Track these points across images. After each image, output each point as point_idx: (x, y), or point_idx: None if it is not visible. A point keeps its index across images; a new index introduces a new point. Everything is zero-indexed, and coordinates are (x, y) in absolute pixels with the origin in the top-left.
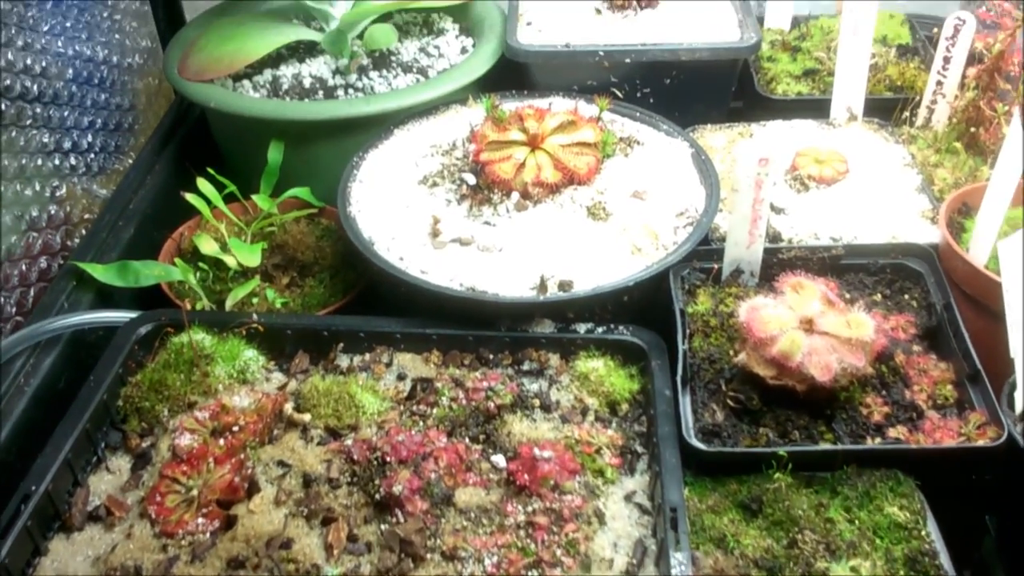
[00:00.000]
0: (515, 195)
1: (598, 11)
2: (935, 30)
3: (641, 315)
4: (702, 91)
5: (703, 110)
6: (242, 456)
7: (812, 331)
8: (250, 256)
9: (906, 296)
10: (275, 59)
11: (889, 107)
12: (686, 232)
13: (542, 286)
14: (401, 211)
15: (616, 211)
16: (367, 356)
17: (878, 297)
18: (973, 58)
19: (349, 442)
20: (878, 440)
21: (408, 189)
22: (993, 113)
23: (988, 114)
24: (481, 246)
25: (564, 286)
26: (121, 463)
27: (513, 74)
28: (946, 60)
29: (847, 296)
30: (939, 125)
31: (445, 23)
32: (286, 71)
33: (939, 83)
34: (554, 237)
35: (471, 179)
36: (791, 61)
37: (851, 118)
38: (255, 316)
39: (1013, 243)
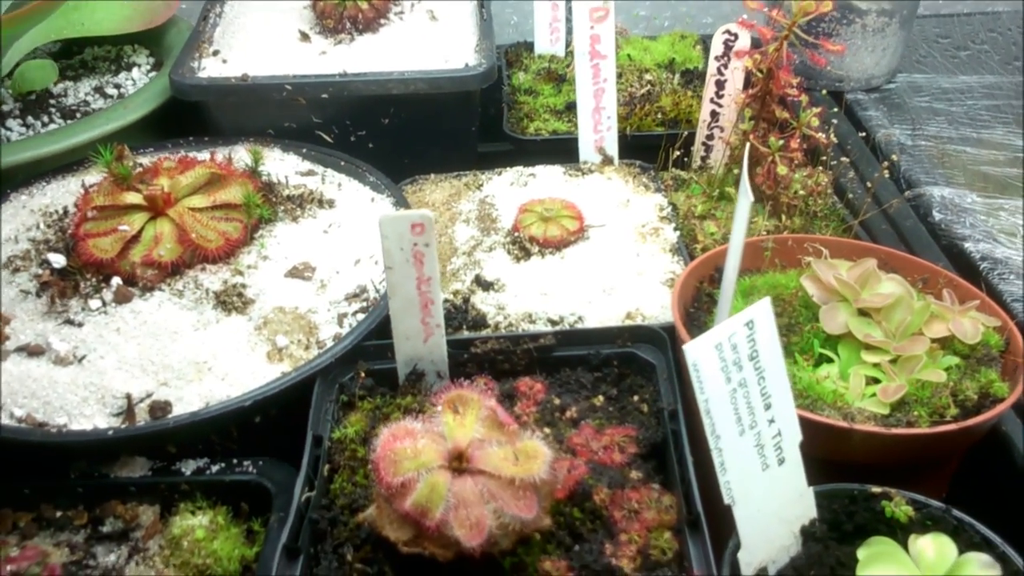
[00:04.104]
0: (116, 281)
1: (304, 36)
2: None
3: (289, 441)
4: (433, 132)
5: (443, 154)
6: None
7: (464, 471)
8: None
9: (635, 398)
10: None
11: (661, 145)
12: (355, 320)
13: (129, 411)
14: None
15: (260, 297)
16: None
17: (599, 400)
18: (749, 82)
19: None
20: None
21: None
22: (767, 149)
23: (763, 151)
24: (56, 356)
25: (157, 410)
26: None
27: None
28: (719, 85)
29: (557, 402)
30: (718, 166)
31: (139, 56)
32: None
33: (713, 114)
34: (161, 338)
35: (59, 260)
36: (555, 93)
37: (605, 161)
38: None
39: (703, 346)
